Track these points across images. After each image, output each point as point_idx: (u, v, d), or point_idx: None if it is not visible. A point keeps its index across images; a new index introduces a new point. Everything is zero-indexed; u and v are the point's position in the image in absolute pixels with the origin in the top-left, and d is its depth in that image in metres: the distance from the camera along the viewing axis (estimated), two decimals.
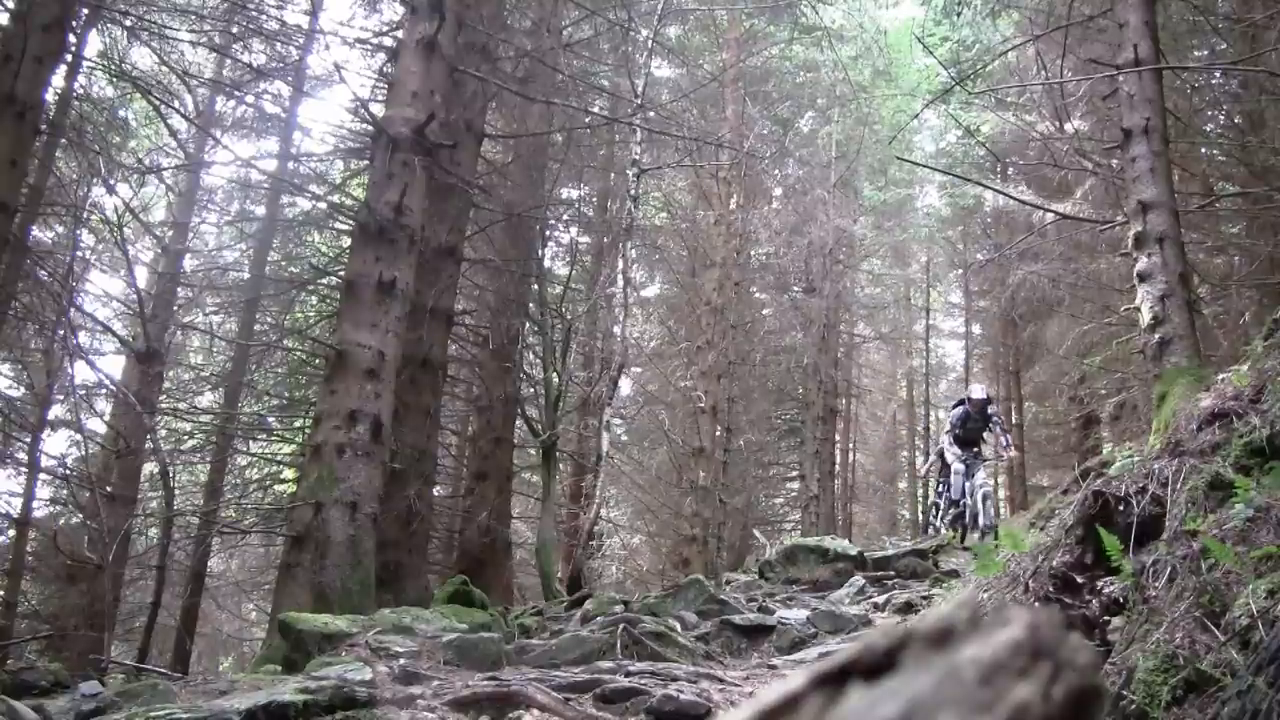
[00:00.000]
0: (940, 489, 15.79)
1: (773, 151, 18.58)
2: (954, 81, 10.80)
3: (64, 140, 9.03)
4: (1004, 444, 10.62)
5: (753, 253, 19.67)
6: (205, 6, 11.78)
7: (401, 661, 3.97)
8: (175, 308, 13.90)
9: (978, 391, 10.52)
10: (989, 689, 0.40)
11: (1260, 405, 3.06)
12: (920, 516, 20.15)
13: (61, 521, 11.48)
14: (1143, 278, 6.19)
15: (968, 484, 10.23)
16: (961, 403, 10.67)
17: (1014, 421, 21.00)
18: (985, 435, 10.63)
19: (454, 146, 9.23)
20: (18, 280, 7.74)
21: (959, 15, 12.28)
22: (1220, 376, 4.23)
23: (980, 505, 9.95)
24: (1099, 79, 7.67)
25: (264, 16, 10.96)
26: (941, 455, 16.44)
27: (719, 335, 16.26)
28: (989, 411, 10.40)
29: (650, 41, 12.50)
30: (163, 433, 11.16)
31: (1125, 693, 2.13)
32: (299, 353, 11.76)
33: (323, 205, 12.10)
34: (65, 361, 9.19)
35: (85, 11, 8.48)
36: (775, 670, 4.27)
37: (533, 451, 12.49)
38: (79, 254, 10.18)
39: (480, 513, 10.85)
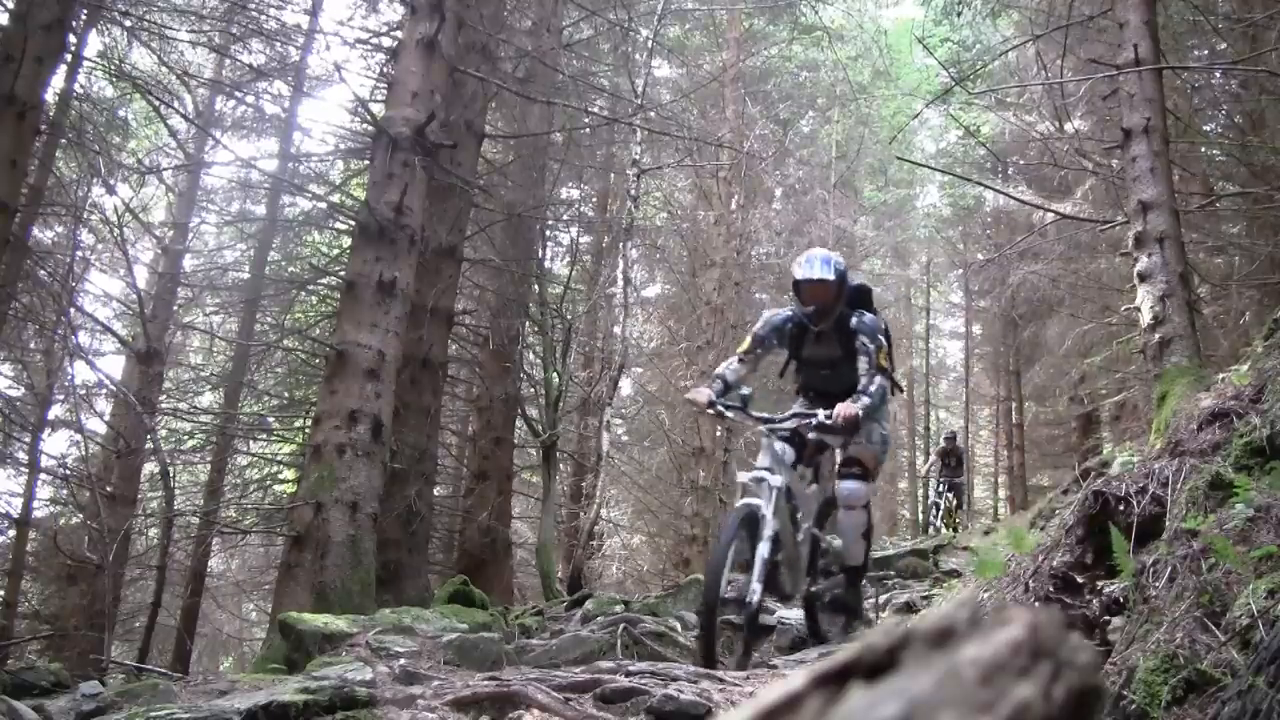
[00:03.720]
0: (940, 488, 15.81)
1: (773, 151, 18.58)
2: (954, 81, 10.80)
3: (64, 140, 9.03)
4: (863, 391, 4.60)
5: (753, 253, 19.68)
6: (205, 6, 11.79)
7: (402, 661, 3.98)
8: (175, 308, 13.90)
9: (811, 265, 4.76)
10: (990, 689, 0.41)
11: (1260, 405, 3.07)
12: (920, 516, 20.15)
13: (61, 521, 11.48)
14: (1143, 278, 6.19)
15: (772, 524, 4.37)
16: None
17: (1014, 421, 21.03)
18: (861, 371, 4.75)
19: (454, 146, 9.23)
20: (18, 280, 7.73)
21: (959, 15, 12.28)
22: (1220, 376, 4.24)
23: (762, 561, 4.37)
24: (1099, 79, 7.68)
25: (264, 16, 10.97)
26: (944, 456, 16.47)
27: (719, 335, 16.26)
28: (853, 323, 4.77)
29: (650, 41, 12.51)
30: (163, 433, 11.16)
31: (1125, 692, 2.14)
32: (299, 353, 11.76)
33: (323, 205, 12.10)
34: (65, 361, 9.19)
35: (85, 12, 8.47)
36: (775, 670, 4.27)
37: (533, 451, 12.49)
38: (79, 254, 10.18)
39: (480, 513, 10.84)
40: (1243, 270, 10.18)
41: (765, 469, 4.49)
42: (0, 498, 10.83)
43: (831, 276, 4.71)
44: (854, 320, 4.82)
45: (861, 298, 5.00)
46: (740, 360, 4.91)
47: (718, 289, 16.81)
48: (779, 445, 4.62)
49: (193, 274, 14.45)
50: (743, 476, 4.57)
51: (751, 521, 4.39)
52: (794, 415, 4.71)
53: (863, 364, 4.76)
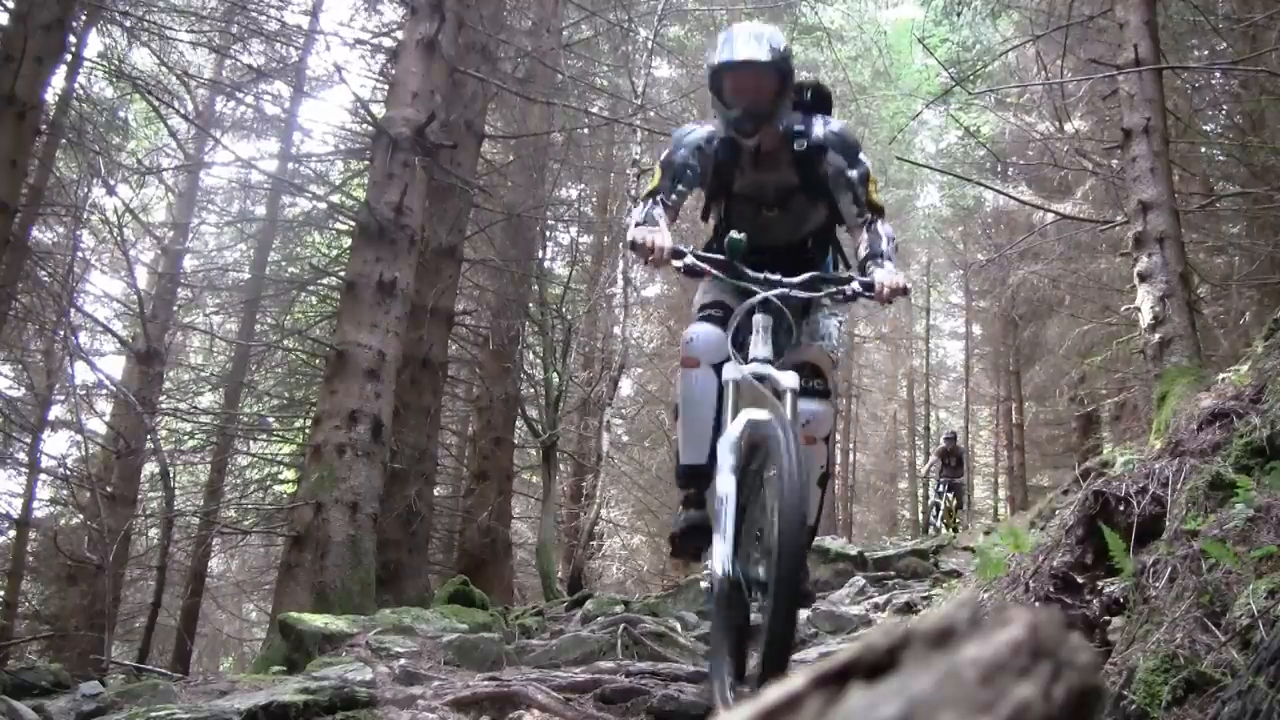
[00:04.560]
0: (940, 488, 15.80)
1: None
2: (954, 82, 10.79)
3: (64, 140, 9.03)
4: (882, 254, 2.99)
5: None
6: (205, 7, 11.80)
7: (402, 661, 3.98)
8: (175, 308, 13.91)
9: (732, 43, 2.98)
10: (990, 689, 0.41)
11: (1260, 405, 3.06)
12: (920, 516, 20.15)
13: (61, 521, 11.48)
14: (1143, 278, 6.19)
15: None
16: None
17: (1014, 421, 21.04)
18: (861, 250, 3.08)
19: (454, 146, 9.24)
20: (18, 280, 7.73)
21: (959, 16, 12.27)
22: (1220, 376, 4.23)
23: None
24: (1099, 79, 7.68)
25: (264, 17, 10.97)
26: (944, 456, 16.42)
27: None
28: (819, 133, 3.10)
29: (650, 42, 12.51)
30: (163, 433, 11.16)
31: (1125, 693, 2.14)
32: (299, 353, 11.77)
33: (323, 205, 12.10)
34: (65, 361, 9.19)
35: (85, 12, 8.47)
36: None
37: (533, 451, 12.49)
38: (79, 254, 10.18)
39: (480, 513, 10.85)
40: (1243, 270, 10.18)
41: (767, 360, 2.81)
42: (0, 498, 10.86)
43: (765, 58, 2.96)
44: (820, 129, 3.10)
45: (820, 100, 3.31)
46: (664, 205, 3.04)
47: None
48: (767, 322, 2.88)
49: (193, 274, 14.46)
50: (731, 371, 2.85)
51: (756, 452, 2.61)
52: (815, 277, 2.95)
53: (849, 206, 3.11)
